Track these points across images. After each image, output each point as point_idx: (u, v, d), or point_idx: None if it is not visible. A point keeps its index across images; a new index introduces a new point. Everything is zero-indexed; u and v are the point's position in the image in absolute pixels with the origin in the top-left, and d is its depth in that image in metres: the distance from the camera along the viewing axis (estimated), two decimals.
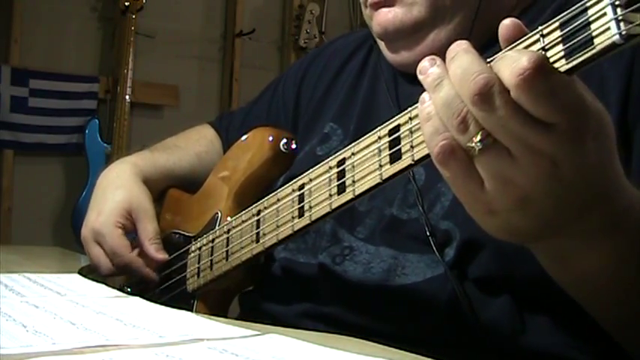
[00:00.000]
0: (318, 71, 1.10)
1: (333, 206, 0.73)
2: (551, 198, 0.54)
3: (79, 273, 0.90)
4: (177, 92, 3.36)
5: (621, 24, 0.46)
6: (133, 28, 3.05)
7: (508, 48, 0.53)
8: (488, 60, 0.53)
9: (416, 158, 0.61)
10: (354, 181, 0.70)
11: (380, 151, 0.66)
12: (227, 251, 0.91)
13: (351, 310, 0.83)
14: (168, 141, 1.21)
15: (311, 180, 0.77)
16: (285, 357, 0.51)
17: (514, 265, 0.72)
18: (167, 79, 3.32)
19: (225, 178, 1.01)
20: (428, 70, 0.55)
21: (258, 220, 0.86)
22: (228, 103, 3.45)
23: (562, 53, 0.50)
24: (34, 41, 3.03)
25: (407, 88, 0.92)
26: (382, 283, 0.81)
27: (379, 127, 0.67)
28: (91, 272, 1.01)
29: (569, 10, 0.50)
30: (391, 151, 0.64)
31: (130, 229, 1.04)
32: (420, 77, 0.56)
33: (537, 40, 0.52)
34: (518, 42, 0.53)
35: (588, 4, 0.48)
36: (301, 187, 0.79)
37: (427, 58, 0.56)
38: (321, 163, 0.76)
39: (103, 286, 0.81)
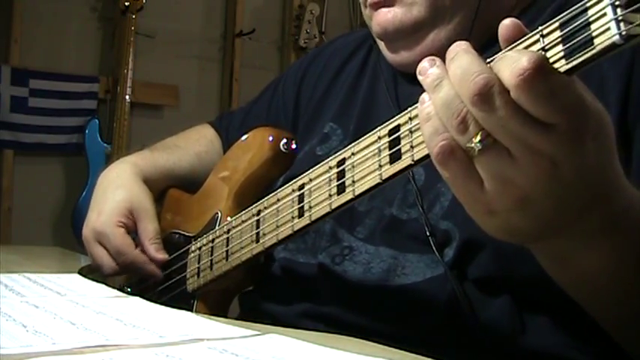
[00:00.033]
0: (317, 71, 1.10)
1: (333, 206, 0.73)
2: (551, 198, 0.54)
3: (79, 273, 0.90)
4: (177, 92, 3.36)
5: (621, 24, 0.46)
6: (133, 28, 3.05)
7: (508, 48, 0.53)
8: (488, 60, 0.53)
9: (416, 158, 0.61)
10: (353, 181, 0.70)
11: (380, 151, 0.66)
12: (227, 251, 0.91)
13: (351, 310, 0.83)
14: (168, 141, 1.21)
15: (311, 180, 0.77)
16: (285, 357, 0.51)
17: (514, 265, 0.72)
18: (167, 79, 3.32)
19: (225, 178, 1.01)
20: (427, 70, 0.55)
21: (258, 220, 0.86)
22: (228, 103, 3.45)
23: (562, 53, 0.50)
24: (34, 41, 3.03)
25: (407, 88, 0.92)
26: (382, 283, 0.81)
27: (379, 127, 0.67)
28: (91, 272, 1.01)
29: (569, 11, 0.50)
30: (391, 151, 0.64)
31: (131, 229, 1.04)
32: (420, 78, 0.56)
33: (537, 41, 0.52)
34: (518, 42, 0.53)
35: (588, 5, 0.48)
36: (301, 187, 0.79)
37: (427, 58, 0.56)
38: (321, 163, 0.76)
39: (103, 286, 0.81)
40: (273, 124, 1.09)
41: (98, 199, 1.07)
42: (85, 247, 1.06)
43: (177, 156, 1.17)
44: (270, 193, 0.85)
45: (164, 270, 1.03)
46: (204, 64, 3.48)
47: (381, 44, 0.93)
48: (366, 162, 0.68)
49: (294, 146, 0.97)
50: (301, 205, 0.78)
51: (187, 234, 1.04)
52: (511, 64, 0.49)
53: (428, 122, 0.55)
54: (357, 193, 0.70)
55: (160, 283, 1.04)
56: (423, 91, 0.56)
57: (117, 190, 1.06)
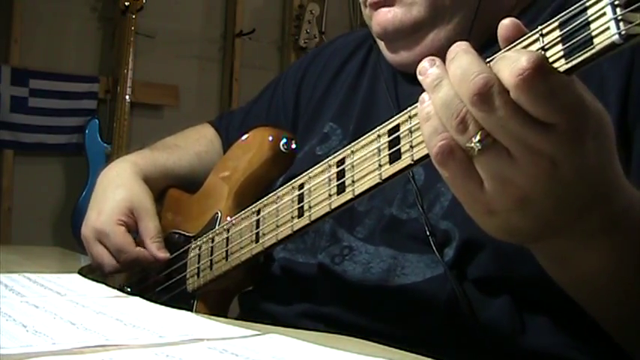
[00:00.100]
0: (317, 71, 1.10)
1: (333, 206, 0.73)
2: (551, 198, 0.54)
3: (79, 273, 0.90)
4: (177, 92, 3.36)
5: (621, 24, 0.46)
6: (133, 28, 3.05)
7: (507, 48, 0.53)
8: (488, 60, 0.53)
9: (415, 158, 0.61)
10: (353, 181, 0.70)
11: (379, 150, 0.66)
12: (227, 251, 0.91)
13: (351, 310, 0.83)
14: (168, 140, 1.21)
15: (310, 179, 0.77)
16: (285, 357, 0.51)
17: (513, 265, 0.72)
18: (167, 79, 3.32)
19: (225, 177, 1.01)
20: (427, 70, 0.55)
21: (257, 220, 0.86)
22: (228, 103, 3.45)
23: (561, 53, 0.50)
24: (34, 41, 3.03)
25: (406, 87, 0.92)
26: (382, 283, 0.81)
27: (379, 127, 0.67)
28: (91, 272, 1.01)
29: (568, 10, 0.50)
30: (391, 151, 0.64)
31: (132, 228, 1.03)
32: (420, 78, 0.56)
33: (537, 40, 0.52)
34: (517, 42, 0.53)
35: (588, 4, 0.48)
36: (301, 186, 0.79)
37: (427, 58, 0.56)
38: (321, 163, 0.76)
39: (103, 286, 0.81)
40: (273, 123, 1.09)
41: (98, 198, 1.07)
42: (84, 246, 1.06)
43: (177, 155, 1.17)
44: (270, 193, 0.85)
45: (164, 270, 1.03)
46: (204, 64, 3.48)
47: (381, 44, 0.93)
48: (366, 162, 0.68)
49: (293, 146, 0.97)
50: (301, 205, 0.78)
51: (187, 234, 1.04)
52: (510, 64, 0.49)
53: (427, 122, 0.55)
54: (356, 192, 0.70)
55: (159, 283, 1.04)
56: (423, 90, 0.56)
57: (117, 189, 1.06)
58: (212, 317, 0.70)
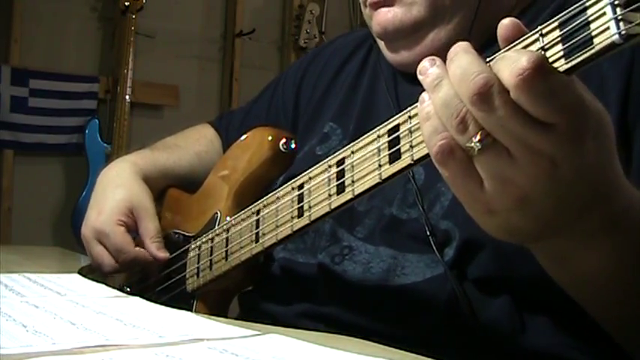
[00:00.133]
0: (317, 71, 1.10)
1: (333, 206, 0.73)
2: (551, 198, 0.54)
3: (79, 273, 0.90)
4: (178, 92, 3.36)
5: (621, 24, 0.46)
6: (133, 28, 3.05)
7: (507, 48, 0.53)
8: (488, 60, 0.53)
9: (415, 158, 0.61)
10: (353, 181, 0.70)
11: (379, 150, 0.66)
12: (226, 251, 0.91)
13: (351, 310, 0.83)
14: (168, 140, 1.21)
15: (310, 179, 0.77)
16: (285, 357, 0.51)
17: (514, 265, 0.72)
18: (167, 79, 3.32)
19: (225, 177, 1.01)
20: (428, 70, 0.55)
21: (257, 220, 0.86)
22: (228, 103, 3.45)
23: (561, 53, 0.50)
24: (34, 41, 3.03)
25: (406, 87, 0.92)
26: (382, 283, 0.81)
27: (379, 127, 0.67)
28: (91, 272, 1.01)
29: (568, 10, 0.50)
30: (390, 151, 0.64)
31: (131, 227, 1.03)
32: (420, 77, 0.56)
33: (537, 40, 0.52)
34: (517, 41, 0.53)
35: (588, 4, 0.48)
36: (300, 186, 0.79)
37: (427, 58, 0.56)
38: (321, 163, 0.76)
39: (103, 286, 0.81)
40: (273, 123, 1.09)
41: (98, 198, 1.07)
42: (84, 246, 1.06)
43: (177, 155, 1.17)
44: (270, 193, 0.85)
45: (164, 270, 1.03)
46: (204, 64, 3.48)
47: (381, 44, 0.93)
48: (366, 162, 0.68)
49: (293, 146, 0.97)
50: (301, 204, 0.78)
51: (187, 234, 1.04)
52: (510, 64, 0.49)
53: (427, 121, 0.55)
54: (356, 192, 0.70)
55: (159, 283, 1.04)
56: (423, 90, 0.56)
57: (117, 189, 1.06)
58: (212, 317, 0.70)
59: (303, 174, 0.79)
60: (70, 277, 0.84)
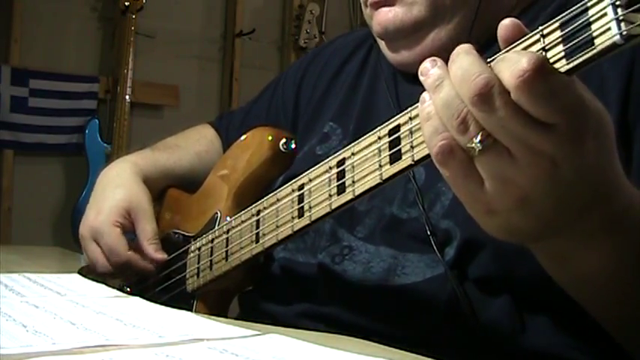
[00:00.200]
0: (317, 71, 1.10)
1: (333, 206, 0.73)
2: (551, 198, 0.54)
3: (79, 273, 0.90)
4: (178, 92, 3.36)
5: (622, 24, 0.46)
6: (133, 28, 3.05)
7: (509, 48, 0.53)
8: (489, 60, 0.53)
9: (416, 158, 0.61)
10: (353, 182, 0.70)
11: (380, 151, 0.66)
12: (226, 251, 0.90)
13: (351, 310, 0.83)
14: (168, 140, 1.21)
15: (311, 180, 0.77)
16: (285, 357, 0.51)
17: (514, 265, 0.72)
18: (167, 79, 3.32)
19: (225, 177, 1.01)
20: (429, 71, 0.55)
21: (257, 221, 0.86)
22: (228, 103, 3.45)
23: (562, 53, 0.50)
24: (34, 41, 3.03)
25: (407, 87, 0.92)
26: (382, 282, 0.81)
27: (379, 127, 0.67)
28: (91, 272, 1.01)
29: (569, 10, 0.50)
30: (391, 152, 0.64)
31: (129, 229, 1.03)
32: (421, 78, 0.56)
33: (538, 40, 0.52)
34: (519, 42, 0.53)
35: (589, 4, 0.48)
36: (301, 187, 0.79)
37: (428, 59, 0.56)
38: (321, 163, 0.76)
39: (103, 286, 0.81)
40: (273, 123, 1.09)
41: (97, 198, 1.07)
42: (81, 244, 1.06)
43: (177, 155, 1.17)
44: (270, 193, 0.85)
45: (163, 270, 1.03)
46: (204, 64, 3.48)
47: (382, 44, 0.93)
48: (366, 162, 0.68)
49: (293, 146, 0.97)
50: (301, 205, 0.78)
51: (187, 234, 1.04)
52: (511, 66, 0.50)
53: (428, 122, 0.55)
54: (357, 193, 0.70)
55: (159, 283, 1.04)
56: (424, 90, 0.56)
57: (116, 189, 1.06)
58: (212, 317, 0.70)
59: (303, 175, 0.79)
60: (70, 277, 0.84)
